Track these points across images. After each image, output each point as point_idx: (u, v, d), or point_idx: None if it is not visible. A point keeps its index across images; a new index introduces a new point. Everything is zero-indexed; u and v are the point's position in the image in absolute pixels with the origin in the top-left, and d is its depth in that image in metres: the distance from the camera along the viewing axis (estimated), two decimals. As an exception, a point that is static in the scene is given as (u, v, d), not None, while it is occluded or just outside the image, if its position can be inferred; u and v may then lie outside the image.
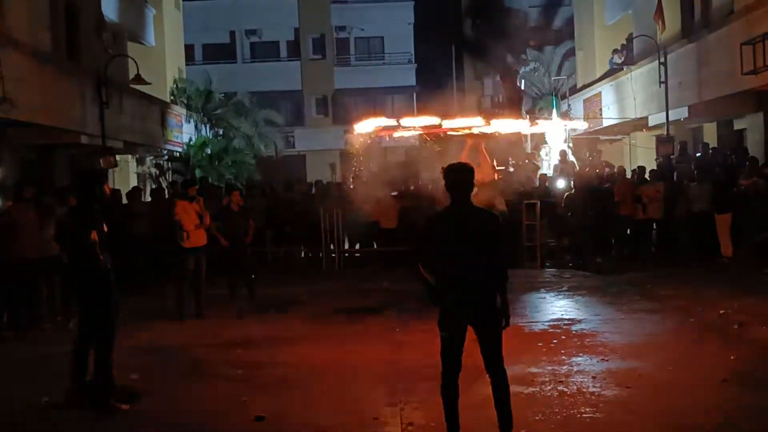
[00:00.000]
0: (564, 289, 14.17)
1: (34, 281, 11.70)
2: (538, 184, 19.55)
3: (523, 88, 32.39)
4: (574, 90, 31.44)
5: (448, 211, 6.31)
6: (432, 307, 6.30)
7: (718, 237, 16.04)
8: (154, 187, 22.47)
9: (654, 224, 17.82)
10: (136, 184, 24.03)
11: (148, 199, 19.58)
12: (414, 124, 13.81)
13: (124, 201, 17.93)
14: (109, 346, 7.68)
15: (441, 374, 6.18)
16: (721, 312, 11.16)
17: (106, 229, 7.82)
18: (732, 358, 8.64)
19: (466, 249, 6.11)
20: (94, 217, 7.70)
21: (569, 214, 17.40)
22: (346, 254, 18.50)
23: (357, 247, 19.03)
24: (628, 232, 18.05)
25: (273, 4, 42.39)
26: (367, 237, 18.53)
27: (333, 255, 18.02)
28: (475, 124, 13.14)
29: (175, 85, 30.53)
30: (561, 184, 19.49)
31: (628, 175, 19.75)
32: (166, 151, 26.61)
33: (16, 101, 13.99)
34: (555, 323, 11.10)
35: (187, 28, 34.22)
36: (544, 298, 13.45)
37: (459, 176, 6.29)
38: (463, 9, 40.56)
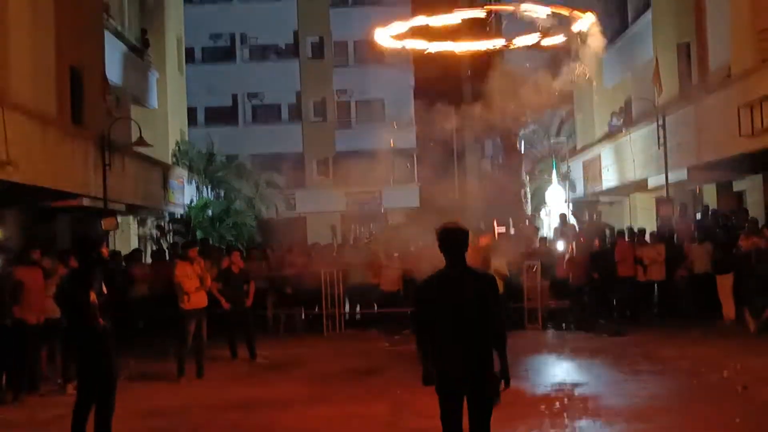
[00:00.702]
0: (566, 351, 14.10)
1: (35, 344, 11.65)
2: (538, 245, 19.57)
3: (522, 149, 32.65)
4: (574, 151, 31.66)
5: (443, 274, 6.22)
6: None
7: (720, 298, 16.00)
8: (154, 248, 22.49)
9: (655, 285, 17.78)
10: (137, 245, 24.06)
11: (149, 260, 19.59)
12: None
13: (125, 263, 17.93)
14: (109, 409, 7.62)
15: None
16: (725, 374, 11.09)
17: (105, 291, 7.83)
18: (737, 420, 8.56)
19: (462, 314, 5.98)
20: (93, 279, 7.71)
21: (570, 275, 17.37)
22: (347, 316, 18.43)
23: (358, 309, 18.97)
24: (630, 293, 17.98)
25: (275, 68, 42.92)
26: (368, 299, 18.48)
27: (334, 317, 17.94)
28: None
29: (177, 148, 30.74)
30: (561, 245, 19.51)
31: (628, 236, 19.75)
32: (167, 213, 26.69)
33: (20, 164, 14.07)
34: (557, 386, 11.02)
35: (189, 91, 34.56)
36: (546, 360, 13.37)
37: (453, 237, 6.16)
38: (463, 72, 41.02)
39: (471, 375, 5.98)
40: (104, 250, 8.28)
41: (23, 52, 16.36)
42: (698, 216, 20.94)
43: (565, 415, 9.36)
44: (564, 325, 17.32)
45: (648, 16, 24.32)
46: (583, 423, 8.87)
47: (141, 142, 20.44)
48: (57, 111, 17.82)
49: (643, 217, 24.38)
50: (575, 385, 11.10)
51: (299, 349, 15.20)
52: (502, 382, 6.11)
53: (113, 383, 7.76)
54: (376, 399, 10.51)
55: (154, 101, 28.20)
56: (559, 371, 12.22)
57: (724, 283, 15.93)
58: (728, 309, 15.85)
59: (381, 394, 10.78)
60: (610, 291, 17.65)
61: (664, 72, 21.92)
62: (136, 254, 18.71)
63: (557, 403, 9.95)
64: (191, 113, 36.93)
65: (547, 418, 9.30)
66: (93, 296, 7.57)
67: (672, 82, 22.28)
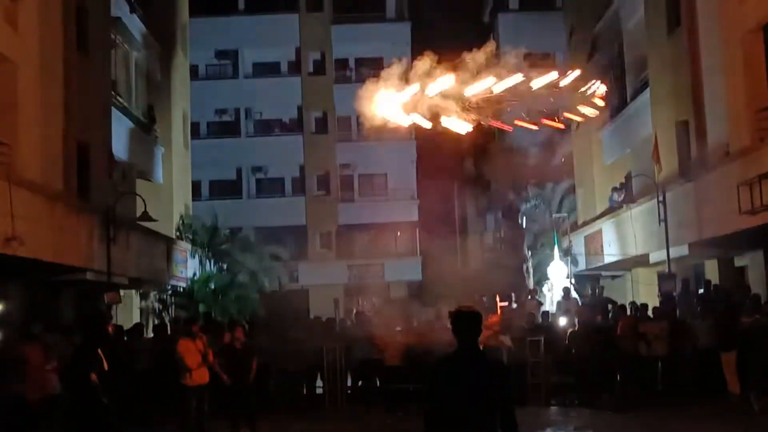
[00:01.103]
0: (570, 428, 14.00)
1: (35, 420, 11.60)
2: (541, 320, 19.55)
3: (524, 224, 32.78)
4: (575, 226, 31.78)
5: (454, 359, 6.23)
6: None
7: (725, 374, 15.92)
8: (156, 322, 22.47)
9: (659, 361, 17.71)
10: (139, 318, 24.05)
11: (151, 334, 19.57)
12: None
13: (127, 337, 17.90)
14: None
15: None
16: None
17: (106, 367, 7.87)
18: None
19: (474, 401, 5.95)
20: (95, 358, 7.76)
21: (573, 350, 17.32)
22: (349, 391, 18.31)
23: (360, 384, 18.85)
24: (633, 369, 17.89)
25: (279, 142, 43.41)
26: (370, 374, 18.39)
27: (335, 392, 17.82)
28: None
29: (181, 221, 30.91)
30: (564, 320, 19.49)
31: (630, 311, 19.73)
32: (170, 286, 26.72)
33: (25, 239, 14.18)
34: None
35: (194, 164, 34.90)
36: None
37: (467, 321, 6.16)
38: (465, 147, 41.46)
39: None
40: (109, 328, 8.34)
41: (32, 129, 16.64)
42: (700, 291, 20.94)
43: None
44: (567, 401, 17.20)
45: (646, 94, 24.69)
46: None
47: (146, 216, 20.58)
48: (63, 186, 18.01)
49: (644, 291, 24.36)
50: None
51: (301, 425, 15.09)
52: None
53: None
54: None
55: (159, 176, 28.49)
56: (562, 449, 12.12)
57: (728, 359, 15.87)
58: (733, 385, 15.76)
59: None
60: (613, 366, 17.56)
61: (664, 149, 22.15)
62: (138, 328, 18.69)
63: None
64: (196, 187, 37.22)
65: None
66: (94, 377, 7.62)
67: (671, 159, 22.49)
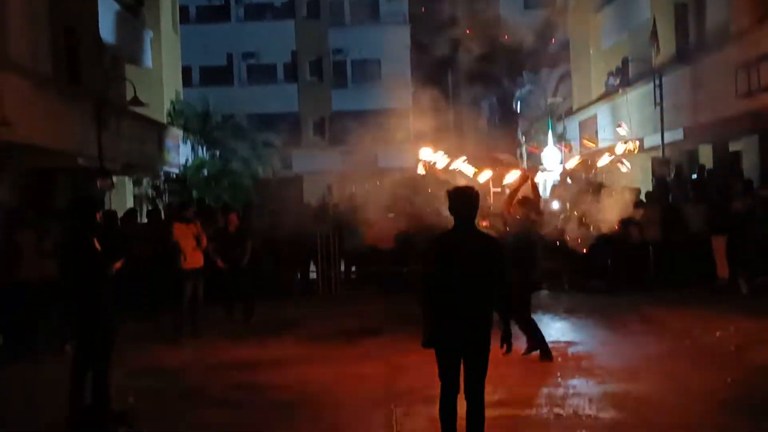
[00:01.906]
0: (560, 311, 14.18)
1: (32, 305, 11.70)
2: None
3: (518, 110, 32.55)
4: (570, 112, 31.57)
5: (450, 235, 6.27)
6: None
7: (715, 259, 16.06)
8: (150, 208, 22.47)
9: (651, 247, 17.82)
10: (132, 205, 24.03)
11: (145, 220, 19.58)
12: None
13: (120, 223, 17.91)
14: (107, 370, 7.69)
15: (440, 394, 6.21)
16: (718, 335, 11.18)
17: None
18: (728, 380, 8.66)
19: (469, 275, 6.07)
20: (94, 234, 7.79)
21: (566, 235, 17.37)
22: (343, 276, 18.47)
23: (353, 269, 19.01)
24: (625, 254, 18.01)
25: (270, 27, 42.61)
26: (363, 258, 18.50)
27: (329, 277, 17.97)
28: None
29: (172, 108, 30.60)
30: (556, 205, 19.48)
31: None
32: (163, 173, 26.65)
33: (16, 124, 14.04)
34: (551, 345, 11.08)
35: (184, 50, 34.31)
36: (541, 320, 13.41)
37: (464, 198, 6.24)
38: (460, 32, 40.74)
39: (471, 335, 6.07)
40: (97, 215, 8.27)
41: (18, 13, 16.23)
42: (694, 176, 20.96)
43: (558, 374, 9.46)
44: (559, 285, 17.35)
45: (646, -25, 24.16)
46: (576, 382, 8.97)
47: (136, 101, 20.37)
48: (53, 71, 17.74)
49: (639, 177, 24.39)
50: (569, 344, 11.20)
51: (295, 309, 15.27)
52: (505, 346, 6.20)
53: (112, 342, 7.82)
54: (371, 359, 10.59)
55: (149, 60, 27.98)
56: (553, 331, 12.29)
57: (719, 244, 15.98)
58: (722, 269, 15.92)
59: (377, 355, 10.86)
60: (605, 251, 17.67)
61: (662, 32, 21.81)
62: (132, 214, 18.67)
63: (551, 363, 10.05)
64: (186, 73, 36.69)
65: (540, 377, 9.40)
66: (97, 244, 7.65)
67: (669, 43, 22.18)
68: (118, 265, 7.91)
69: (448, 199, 6.25)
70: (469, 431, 6.11)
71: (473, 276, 6.06)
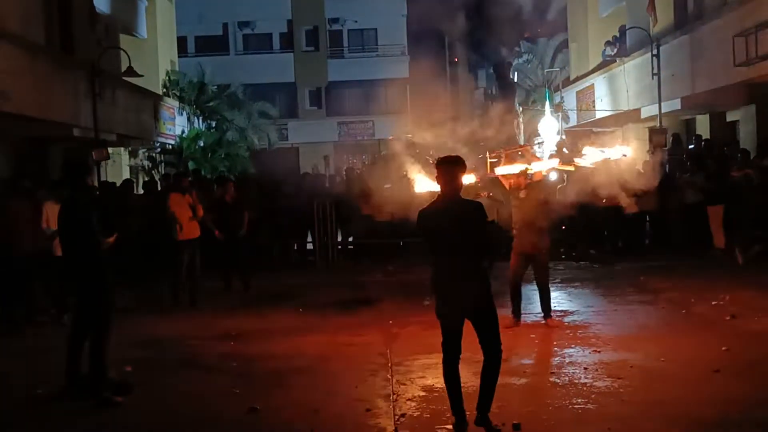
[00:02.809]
0: (557, 280, 14.20)
1: (30, 274, 11.70)
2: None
3: (516, 80, 32.41)
4: (567, 82, 31.46)
5: (436, 204, 6.41)
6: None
7: (711, 228, 16.07)
8: (146, 179, 22.44)
9: (647, 216, 17.83)
10: (128, 176, 24.00)
11: (141, 191, 19.55)
12: None
13: (117, 194, 17.88)
14: (104, 339, 7.69)
15: (443, 361, 6.33)
16: (714, 304, 11.22)
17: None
18: (724, 349, 8.69)
19: (455, 240, 6.24)
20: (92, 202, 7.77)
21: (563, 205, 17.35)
22: (339, 246, 18.47)
23: (350, 239, 19.01)
24: (621, 224, 18.02)
25: (266, -4, 42.40)
26: (360, 229, 18.49)
27: (326, 248, 17.97)
28: None
29: (167, 78, 30.47)
30: (554, 175, 19.43)
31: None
32: (158, 144, 26.58)
33: (10, 94, 13.96)
34: (548, 315, 11.13)
35: (179, 20, 34.09)
36: (537, 289, 13.46)
37: (448, 167, 6.39)
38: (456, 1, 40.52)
39: (469, 297, 6.18)
40: (89, 179, 8.21)
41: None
42: (691, 146, 20.93)
43: (554, 343, 9.49)
44: (555, 254, 17.35)
45: (644, -58, 23.95)
46: (572, 351, 8.99)
47: (131, 71, 20.26)
48: (46, 40, 17.62)
49: (636, 147, 24.33)
50: (565, 313, 11.23)
51: (292, 279, 15.29)
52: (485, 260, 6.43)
53: (110, 312, 7.82)
54: (369, 329, 10.62)
55: (143, 30, 27.81)
56: (549, 300, 12.29)
57: (715, 214, 15.98)
58: (718, 239, 15.93)
59: (374, 324, 10.89)
60: (600, 221, 17.69)
61: (659, 1, 21.69)
62: (128, 185, 18.64)
63: (547, 332, 10.09)
64: (181, 42, 36.49)
65: (536, 345, 9.44)
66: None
67: (667, 11, 22.07)
68: (111, 240, 7.86)
69: (435, 168, 6.42)
70: (482, 383, 6.29)
71: (460, 241, 6.24)
